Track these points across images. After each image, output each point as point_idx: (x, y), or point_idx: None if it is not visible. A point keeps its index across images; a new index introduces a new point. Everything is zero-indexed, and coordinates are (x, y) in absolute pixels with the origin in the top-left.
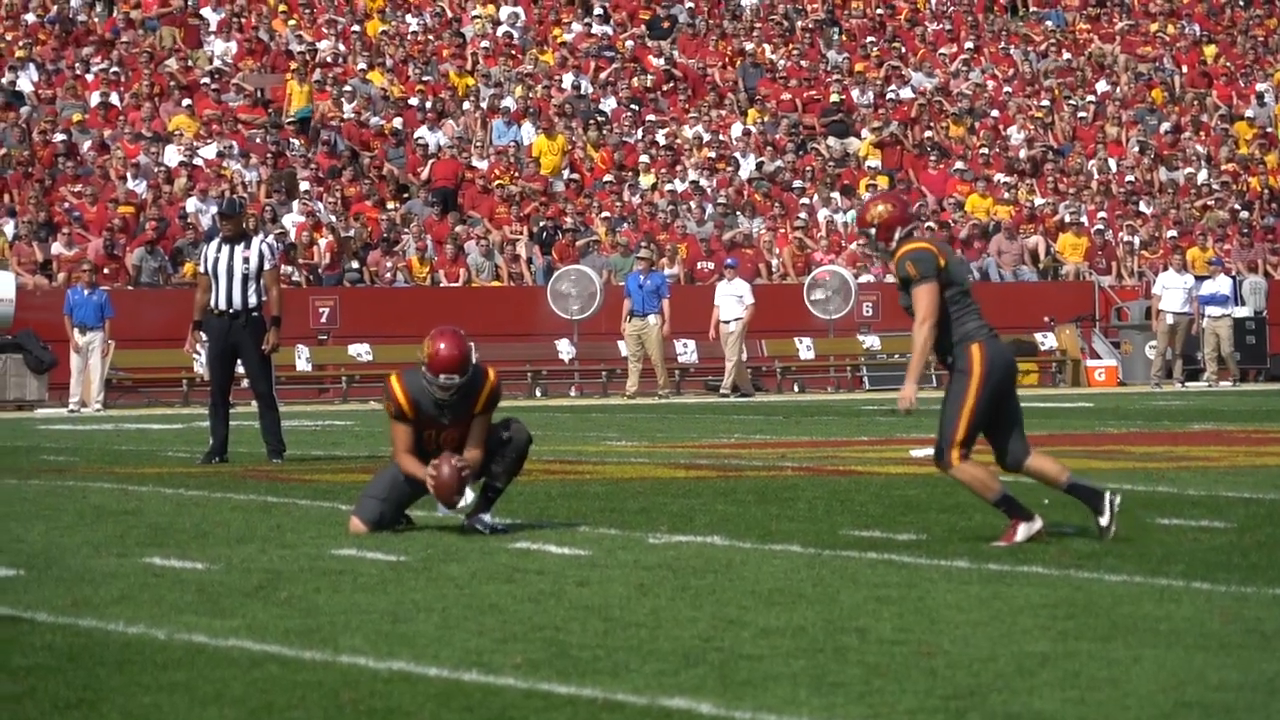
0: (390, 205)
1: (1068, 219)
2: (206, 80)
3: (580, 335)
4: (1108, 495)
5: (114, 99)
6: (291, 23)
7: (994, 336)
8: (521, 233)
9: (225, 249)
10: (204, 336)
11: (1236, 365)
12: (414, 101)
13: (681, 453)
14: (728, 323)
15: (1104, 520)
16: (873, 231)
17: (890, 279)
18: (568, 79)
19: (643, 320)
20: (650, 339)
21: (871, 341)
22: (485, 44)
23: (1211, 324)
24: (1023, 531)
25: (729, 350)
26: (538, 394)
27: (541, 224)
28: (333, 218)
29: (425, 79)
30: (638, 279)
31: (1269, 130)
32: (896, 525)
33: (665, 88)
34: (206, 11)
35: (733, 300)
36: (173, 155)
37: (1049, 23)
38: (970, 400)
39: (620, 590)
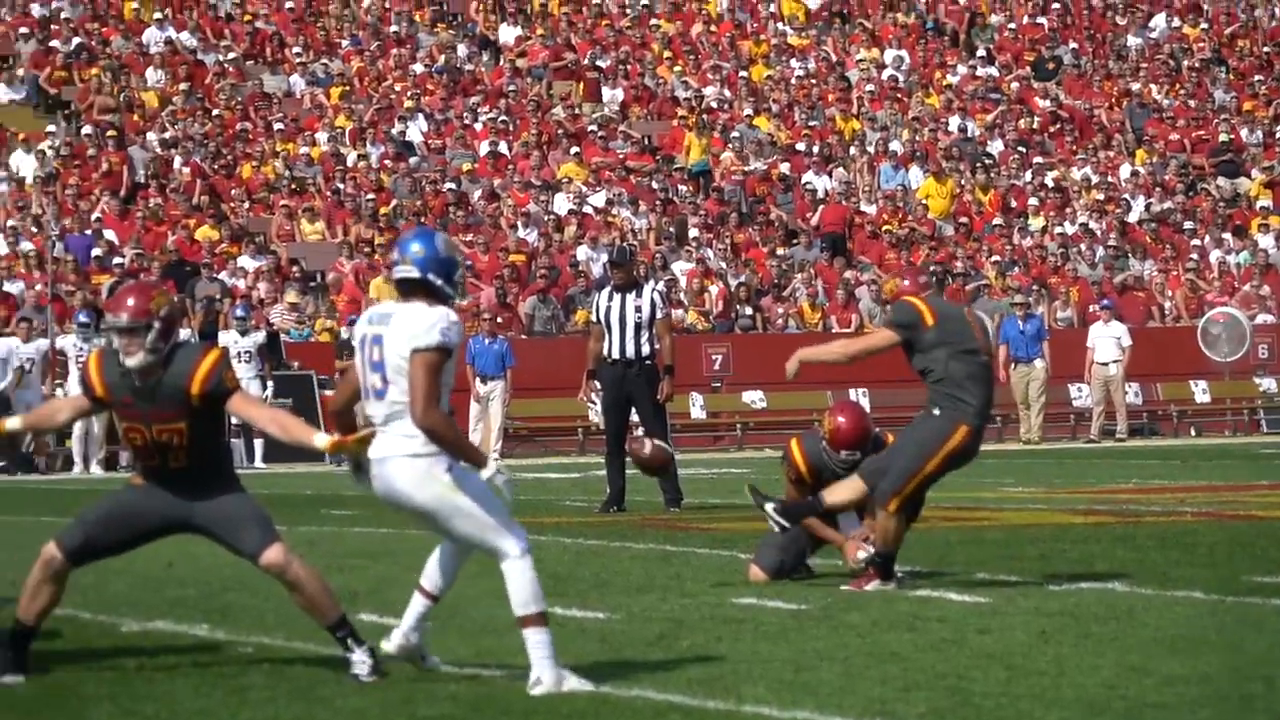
0: (780, 251)
1: None
2: (594, 128)
3: None
4: None
5: (502, 148)
6: (677, 69)
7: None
8: None
9: (617, 297)
10: (598, 385)
11: None
12: (800, 146)
13: (1079, 498)
14: (1105, 364)
15: None
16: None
17: None
18: (954, 121)
19: (1029, 366)
20: (1035, 383)
21: (1268, 384)
22: (870, 88)
23: None
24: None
25: (1114, 394)
26: None
27: (931, 268)
28: (722, 264)
29: (811, 124)
30: (1016, 324)
31: None
32: None
33: (1052, 129)
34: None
35: (1110, 342)
36: (562, 203)
37: None
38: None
39: (1022, 637)
